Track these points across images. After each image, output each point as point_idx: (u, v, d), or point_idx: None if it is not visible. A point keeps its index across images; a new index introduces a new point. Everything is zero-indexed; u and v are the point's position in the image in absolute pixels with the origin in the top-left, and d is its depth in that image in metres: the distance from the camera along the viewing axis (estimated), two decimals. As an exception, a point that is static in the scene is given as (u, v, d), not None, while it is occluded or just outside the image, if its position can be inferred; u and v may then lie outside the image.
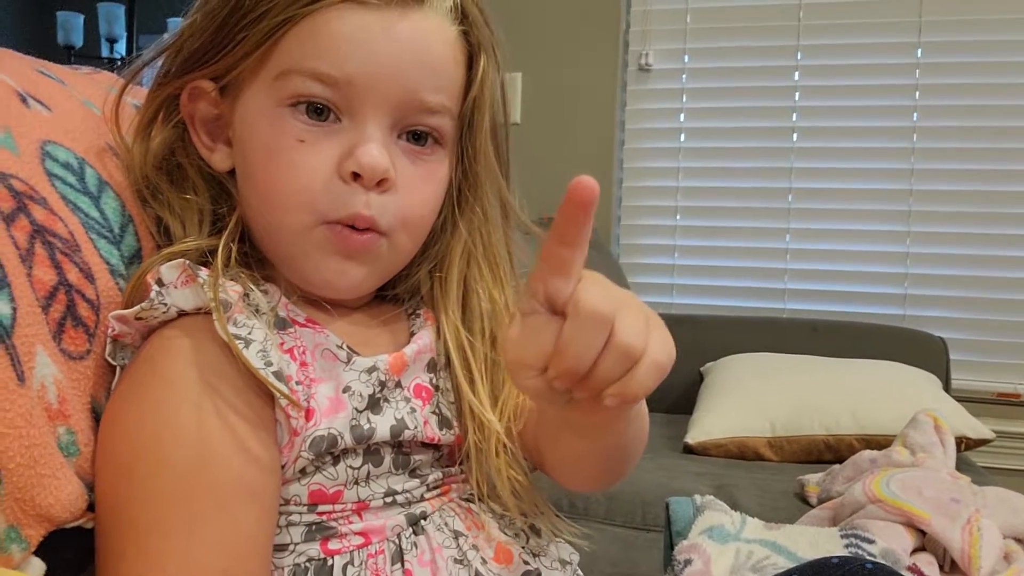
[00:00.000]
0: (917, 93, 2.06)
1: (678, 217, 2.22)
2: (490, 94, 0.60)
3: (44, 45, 3.50)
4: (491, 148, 0.62)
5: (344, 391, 0.55)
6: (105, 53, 3.63)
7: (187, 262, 0.53)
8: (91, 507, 0.50)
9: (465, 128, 0.60)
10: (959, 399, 1.65)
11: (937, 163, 2.06)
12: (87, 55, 3.69)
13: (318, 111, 0.54)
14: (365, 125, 0.54)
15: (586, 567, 0.63)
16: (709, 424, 1.58)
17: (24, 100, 0.56)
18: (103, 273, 0.54)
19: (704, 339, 1.97)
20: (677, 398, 1.90)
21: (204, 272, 0.53)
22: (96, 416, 0.53)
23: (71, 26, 3.62)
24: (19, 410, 0.45)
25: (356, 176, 0.54)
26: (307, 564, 0.53)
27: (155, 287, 0.52)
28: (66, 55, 3.57)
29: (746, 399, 1.62)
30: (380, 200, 0.55)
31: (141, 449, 0.50)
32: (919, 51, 2.05)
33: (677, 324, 2.16)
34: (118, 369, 0.54)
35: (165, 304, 0.52)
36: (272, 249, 0.58)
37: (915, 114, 2.06)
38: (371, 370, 0.56)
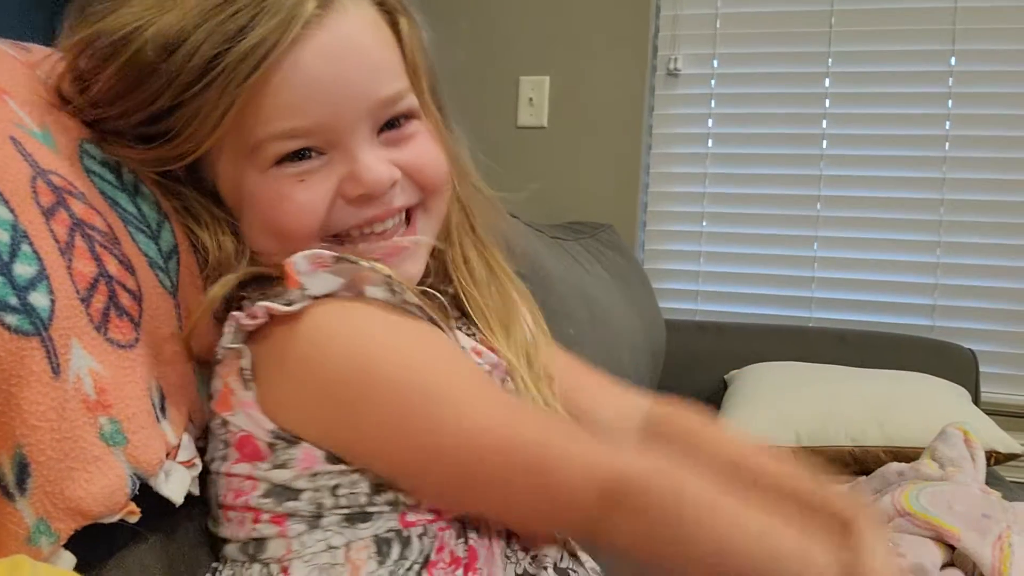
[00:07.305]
0: (950, 101, 2.03)
1: (704, 223, 2.20)
2: (419, 51, 0.62)
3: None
4: (434, 107, 0.64)
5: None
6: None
7: (322, 252, 0.54)
8: (136, 499, 0.50)
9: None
10: (989, 412, 1.62)
11: (969, 172, 2.02)
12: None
13: (300, 155, 0.56)
14: (350, 147, 0.56)
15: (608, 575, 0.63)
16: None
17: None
18: (143, 265, 0.55)
19: (729, 347, 1.95)
20: (701, 406, 1.89)
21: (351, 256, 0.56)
22: (161, 399, 0.53)
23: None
24: (51, 403, 0.46)
25: (365, 197, 0.57)
26: (387, 535, 0.54)
27: (301, 278, 0.53)
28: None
29: (771, 408, 1.60)
30: (395, 191, 0.59)
31: (381, 353, 0.54)
32: (953, 59, 2.02)
33: (702, 331, 2.11)
34: (247, 354, 0.54)
35: (312, 295, 0.53)
36: None
37: (947, 123, 2.03)
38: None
